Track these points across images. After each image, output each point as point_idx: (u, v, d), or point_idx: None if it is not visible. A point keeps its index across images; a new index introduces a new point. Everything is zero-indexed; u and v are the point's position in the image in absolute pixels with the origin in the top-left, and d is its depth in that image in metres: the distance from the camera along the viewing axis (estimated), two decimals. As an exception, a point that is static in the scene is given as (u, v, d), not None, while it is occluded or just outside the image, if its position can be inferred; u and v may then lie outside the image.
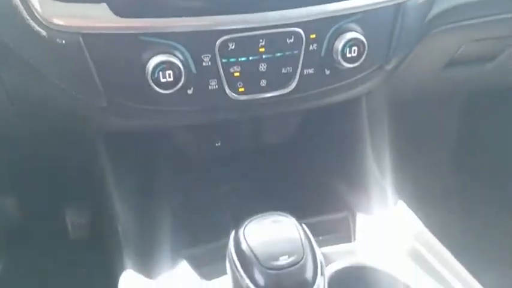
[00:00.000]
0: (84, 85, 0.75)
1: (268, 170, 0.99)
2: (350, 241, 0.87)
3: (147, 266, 0.81)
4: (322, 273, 0.51)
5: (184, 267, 0.82)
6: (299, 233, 0.51)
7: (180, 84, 0.73)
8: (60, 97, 0.79)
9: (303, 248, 0.50)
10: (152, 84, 0.72)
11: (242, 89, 0.77)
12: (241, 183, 0.95)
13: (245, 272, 0.49)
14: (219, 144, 0.96)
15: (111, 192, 0.90)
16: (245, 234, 0.51)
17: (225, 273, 0.80)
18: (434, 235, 0.83)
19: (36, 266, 1.21)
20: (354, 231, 0.89)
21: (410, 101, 1.06)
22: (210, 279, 0.80)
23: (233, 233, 0.53)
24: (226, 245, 0.84)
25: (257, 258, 0.49)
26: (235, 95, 0.77)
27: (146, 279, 0.79)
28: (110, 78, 0.74)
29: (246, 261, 0.50)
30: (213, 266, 0.82)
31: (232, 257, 0.51)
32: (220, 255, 0.84)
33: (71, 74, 0.75)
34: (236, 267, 0.50)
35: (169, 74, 0.72)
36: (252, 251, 0.49)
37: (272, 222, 0.52)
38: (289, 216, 0.54)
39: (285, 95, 0.80)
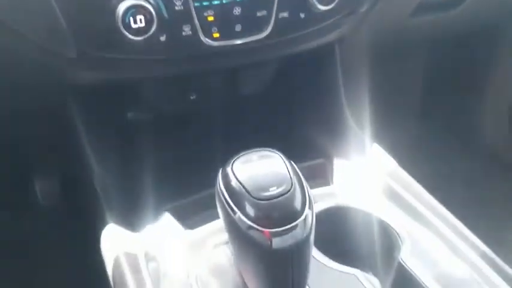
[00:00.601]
0: (52, 35, 0.72)
1: (244, 121, 0.98)
2: (328, 185, 0.89)
3: (129, 220, 0.80)
4: (310, 206, 0.52)
5: (167, 219, 0.82)
6: (286, 166, 0.52)
7: (152, 30, 0.71)
8: (27, 50, 0.75)
9: (291, 179, 0.50)
10: (123, 30, 0.69)
11: (217, 35, 0.76)
12: (218, 135, 0.95)
13: (236, 205, 0.49)
14: (194, 97, 0.94)
15: (85, 151, 0.88)
16: (233, 170, 0.51)
17: (208, 222, 0.81)
18: (408, 174, 0.86)
19: (9, 237, 1.18)
20: (332, 175, 0.91)
21: (381, 49, 1.08)
22: (194, 229, 0.80)
23: (221, 170, 0.53)
24: (208, 195, 0.84)
25: (247, 191, 0.49)
26: (210, 41, 0.76)
27: (129, 233, 0.79)
28: (79, 25, 0.71)
29: (236, 195, 0.50)
30: (196, 217, 0.82)
31: (222, 193, 0.51)
32: (203, 206, 0.85)
33: (38, 23, 0.72)
34: (227, 201, 0.50)
35: (140, 19, 0.70)
36: (241, 184, 0.50)
37: (259, 158, 0.53)
38: (275, 151, 0.54)
39: (261, 41, 0.79)
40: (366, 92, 1.00)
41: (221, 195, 0.51)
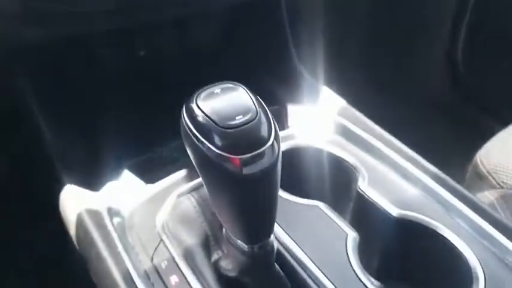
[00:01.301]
0: None
1: (195, 74, 0.97)
2: (284, 129, 0.91)
3: (88, 180, 0.78)
4: (276, 134, 0.53)
5: (127, 175, 0.81)
6: (250, 96, 0.53)
7: None
8: None
9: (256, 108, 0.51)
10: None
11: (161, -18, 0.74)
12: (170, 88, 0.93)
13: (203, 136, 0.49)
14: (143, 53, 0.92)
15: (33, 117, 0.83)
16: (197, 103, 0.51)
17: (168, 176, 0.81)
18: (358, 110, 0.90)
19: None
20: (287, 120, 0.94)
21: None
22: (155, 183, 0.80)
23: (184, 105, 0.52)
24: (166, 150, 0.83)
25: (213, 121, 0.49)
26: None
27: (89, 192, 0.77)
28: None
29: (203, 127, 0.50)
30: (156, 172, 0.82)
31: (187, 127, 0.51)
32: (162, 161, 0.84)
33: None
34: (194, 134, 0.50)
35: None
36: (206, 116, 0.50)
37: (222, 90, 0.53)
38: (237, 83, 0.54)
39: None
40: (314, 39, 1.02)
41: (187, 129, 0.51)
